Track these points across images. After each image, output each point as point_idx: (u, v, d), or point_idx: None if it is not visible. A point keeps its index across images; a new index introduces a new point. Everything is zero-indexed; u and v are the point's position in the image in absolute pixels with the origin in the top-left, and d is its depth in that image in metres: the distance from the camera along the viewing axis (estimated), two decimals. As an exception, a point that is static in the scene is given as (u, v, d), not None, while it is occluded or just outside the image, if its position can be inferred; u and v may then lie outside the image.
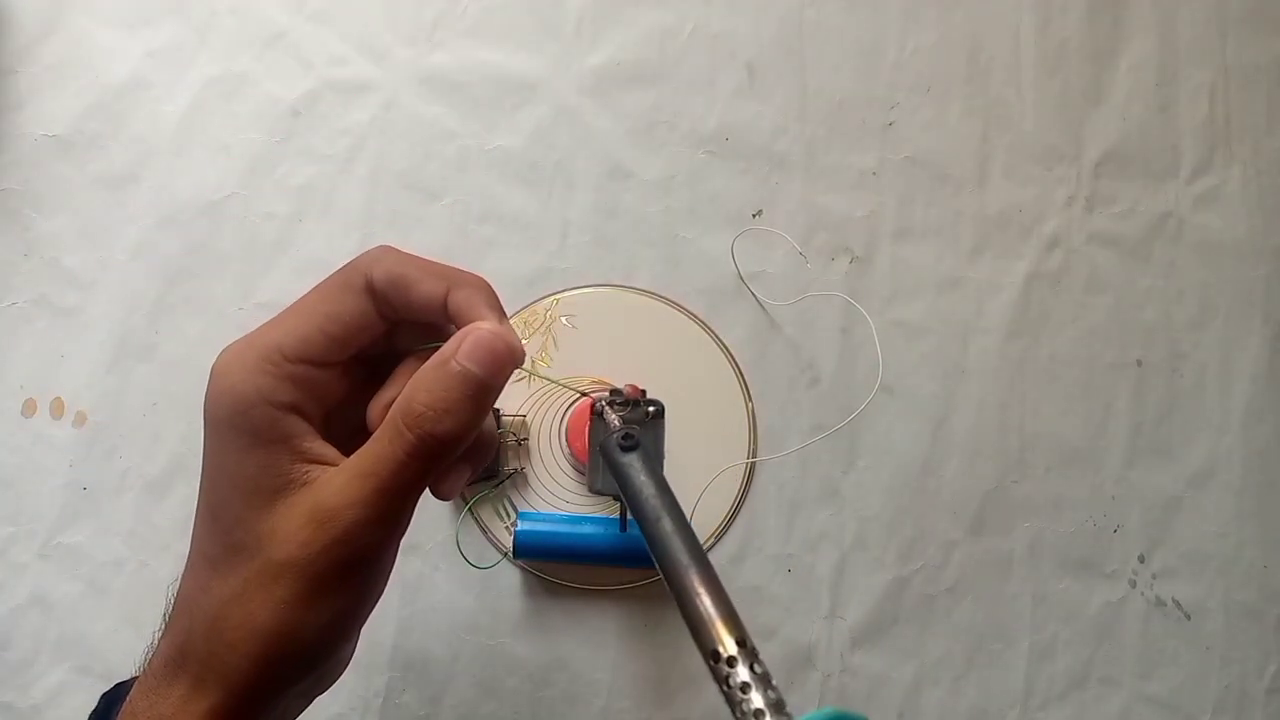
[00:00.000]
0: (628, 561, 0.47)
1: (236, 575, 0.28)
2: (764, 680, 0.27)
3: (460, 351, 0.29)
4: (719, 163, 0.52)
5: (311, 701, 0.34)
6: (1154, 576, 0.50)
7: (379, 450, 0.29)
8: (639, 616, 0.48)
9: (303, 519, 0.28)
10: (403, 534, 0.30)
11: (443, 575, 0.48)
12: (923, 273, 0.52)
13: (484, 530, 0.48)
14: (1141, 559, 0.50)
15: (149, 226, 0.51)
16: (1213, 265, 0.53)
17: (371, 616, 0.47)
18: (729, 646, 0.28)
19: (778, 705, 0.26)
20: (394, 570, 0.48)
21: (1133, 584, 0.50)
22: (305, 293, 0.31)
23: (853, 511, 0.50)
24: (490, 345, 0.29)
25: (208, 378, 0.30)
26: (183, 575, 0.31)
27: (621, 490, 0.34)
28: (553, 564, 0.48)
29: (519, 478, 0.49)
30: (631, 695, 0.48)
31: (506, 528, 0.48)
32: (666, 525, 0.32)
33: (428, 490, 0.31)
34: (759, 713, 0.26)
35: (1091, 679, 0.49)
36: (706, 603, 0.29)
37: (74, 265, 0.50)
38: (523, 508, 0.49)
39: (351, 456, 0.29)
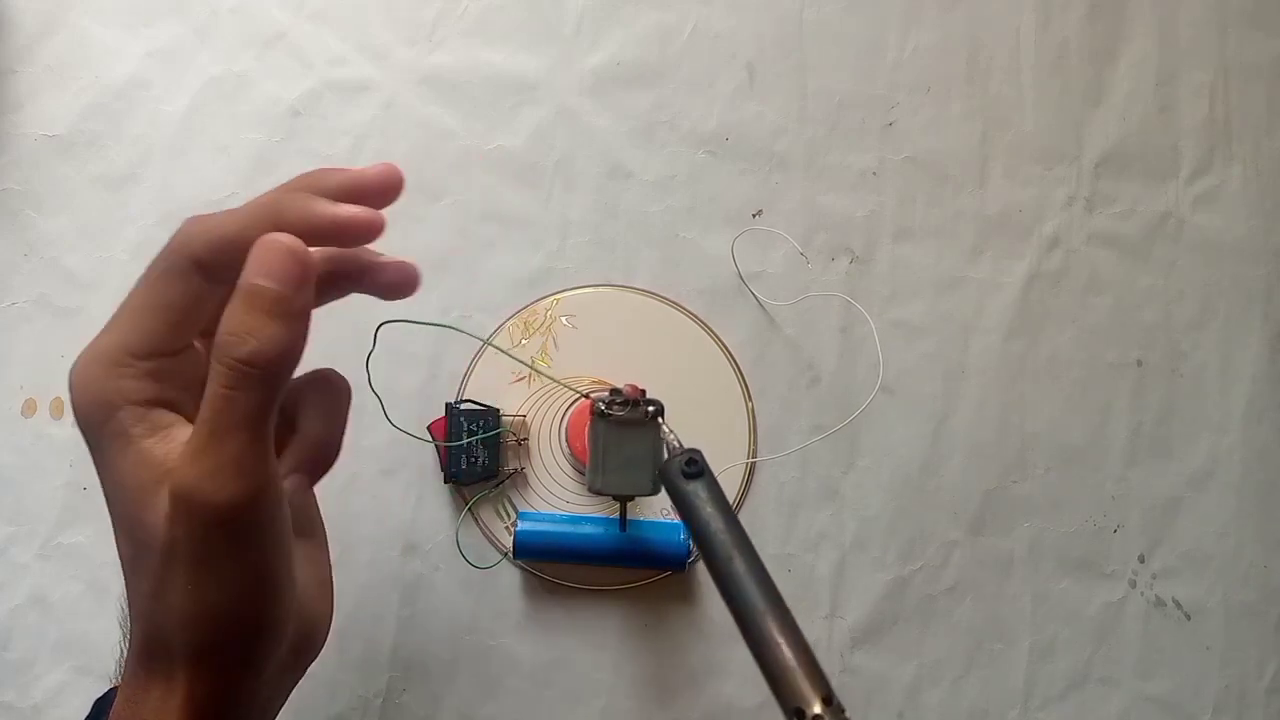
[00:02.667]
0: (628, 561, 0.47)
1: (150, 574, 0.28)
2: None
3: (249, 268, 0.27)
4: (719, 163, 0.52)
5: (304, 669, 0.34)
6: (1154, 576, 0.50)
7: (207, 395, 0.27)
8: (639, 616, 0.48)
9: (166, 501, 0.27)
10: (273, 474, 0.28)
11: (443, 575, 0.48)
12: (923, 273, 0.52)
13: (484, 530, 0.48)
14: (1141, 559, 0.50)
15: (149, 226, 0.51)
16: (1213, 265, 0.53)
17: (371, 617, 0.48)
18: (814, 705, 0.25)
19: None
20: (395, 571, 0.48)
21: (1133, 584, 0.50)
22: (132, 289, 0.30)
23: (853, 511, 0.50)
24: (271, 251, 0.27)
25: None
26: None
27: (685, 521, 0.32)
28: (553, 564, 0.48)
29: (519, 478, 0.49)
30: (632, 695, 0.48)
31: (506, 528, 0.48)
32: (739, 565, 0.29)
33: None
34: None
35: (1091, 679, 0.49)
36: (787, 654, 0.27)
37: (74, 265, 0.50)
38: (523, 508, 0.49)
39: None
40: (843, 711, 0.25)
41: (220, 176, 0.51)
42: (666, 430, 0.36)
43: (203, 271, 0.29)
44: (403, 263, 0.34)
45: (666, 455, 0.33)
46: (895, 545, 0.50)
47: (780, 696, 0.26)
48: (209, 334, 0.28)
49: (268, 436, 0.28)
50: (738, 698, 0.48)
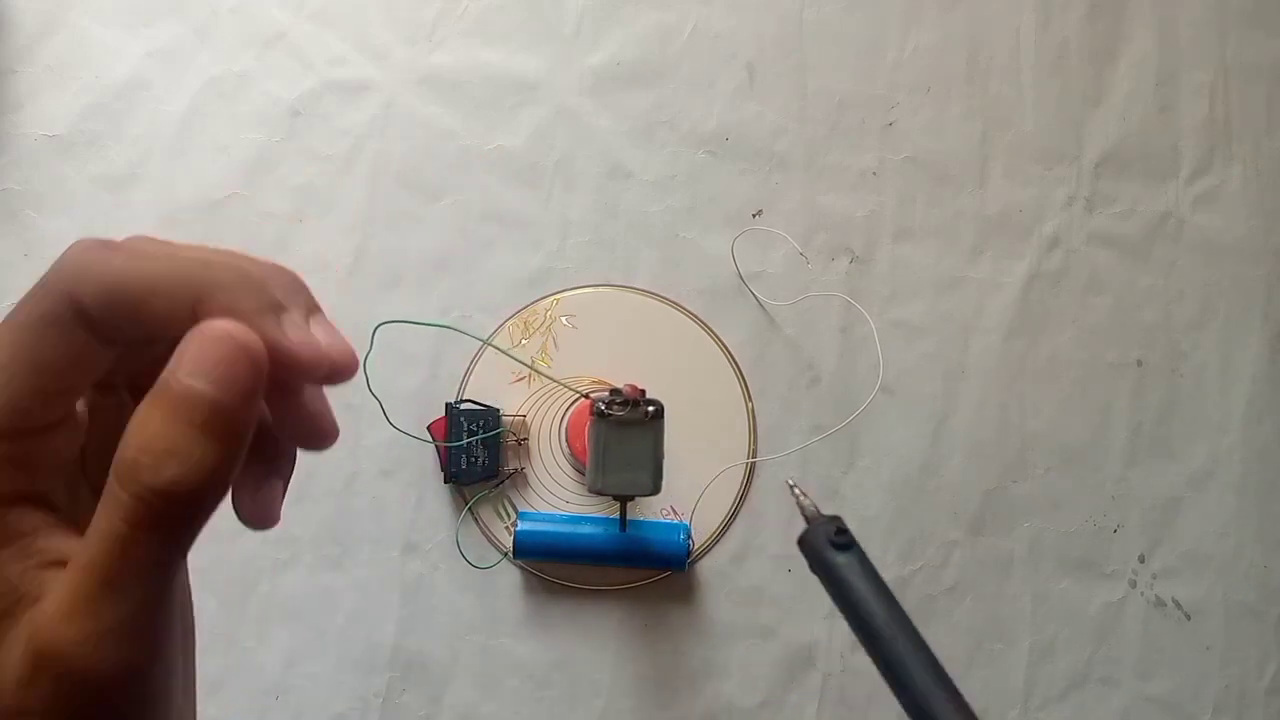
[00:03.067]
0: (628, 561, 0.47)
1: None
2: None
3: (180, 364, 0.20)
4: (719, 163, 0.52)
5: None
6: (1154, 576, 0.50)
7: (96, 529, 0.19)
8: (639, 616, 0.48)
9: (21, 654, 0.20)
10: (173, 632, 0.21)
11: (443, 575, 0.48)
12: (923, 273, 0.52)
13: (484, 530, 0.48)
14: (1141, 559, 0.50)
15: (149, 226, 0.50)
16: (1213, 265, 0.53)
17: (371, 616, 0.48)
18: None
19: None
20: (395, 571, 0.48)
21: (1133, 584, 0.50)
22: None
23: (853, 511, 0.50)
24: (214, 345, 0.20)
25: None
26: None
27: (836, 598, 0.29)
28: (553, 564, 0.48)
29: (519, 478, 0.49)
30: (631, 695, 0.48)
31: (506, 528, 0.48)
32: (902, 645, 0.27)
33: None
34: None
35: (1091, 679, 0.49)
36: None
37: (74, 265, 0.50)
38: (523, 508, 0.49)
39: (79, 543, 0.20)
40: None
41: (220, 176, 0.51)
42: (799, 493, 0.32)
43: (88, 326, 0.21)
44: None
45: (805, 521, 0.30)
46: (895, 545, 0.50)
47: None
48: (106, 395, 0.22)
49: (173, 590, 0.21)
50: (737, 697, 0.48)
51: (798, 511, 0.51)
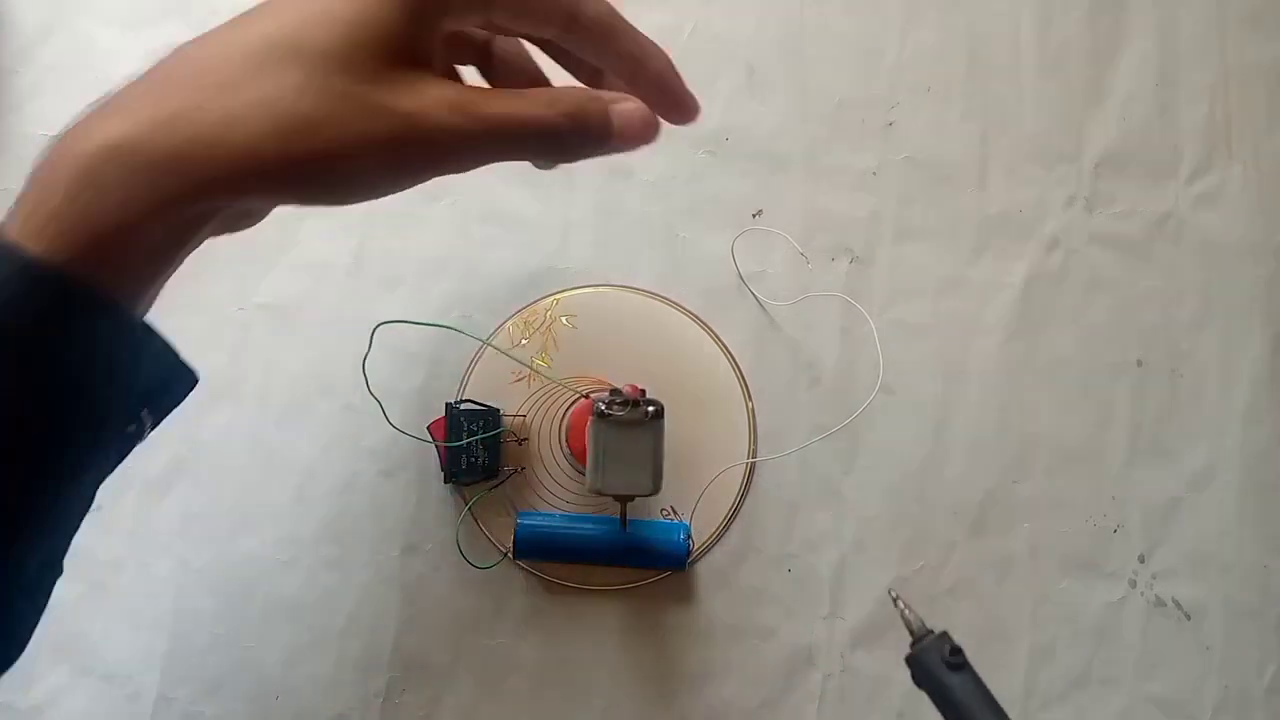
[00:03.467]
0: (628, 561, 0.47)
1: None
2: None
3: (617, 108, 0.34)
4: (719, 163, 0.52)
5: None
6: (1154, 577, 0.50)
7: (512, 103, 0.32)
8: (639, 616, 0.48)
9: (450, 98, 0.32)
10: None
11: (443, 575, 0.48)
12: (923, 273, 0.52)
13: (484, 530, 0.49)
14: (1142, 559, 0.50)
15: (149, 226, 0.50)
16: (1213, 266, 0.53)
17: (371, 616, 0.48)
18: None
19: None
20: (395, 571, 0.48)
21: (1133, 584, 0.50)
22: None
23: (853, 512, 0.50)
24: (642, 120, 0.35)
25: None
26: None
27: (946, 715, 0.29)
28: (553, 564, 0.48)
29: (519, 478, 0.49)
30: (632, 695, 0.48)
31: (506, 528, 0.48)
32: None
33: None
34: None
35: (1092, 679, 0.49)
36: None
37: (74, 265, 0.50)
38: (523, 508, 0.49)
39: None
40: None
41: (220, 176, 0.51)
42: (903, 606, 0.32)
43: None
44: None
45: (910, 635, 0.29)
46: (895, 545, 0.49)
47: None
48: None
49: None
50: (738, 698, 0.48)
51: (797, 511, 0.51)
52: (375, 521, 0.49)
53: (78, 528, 0.32)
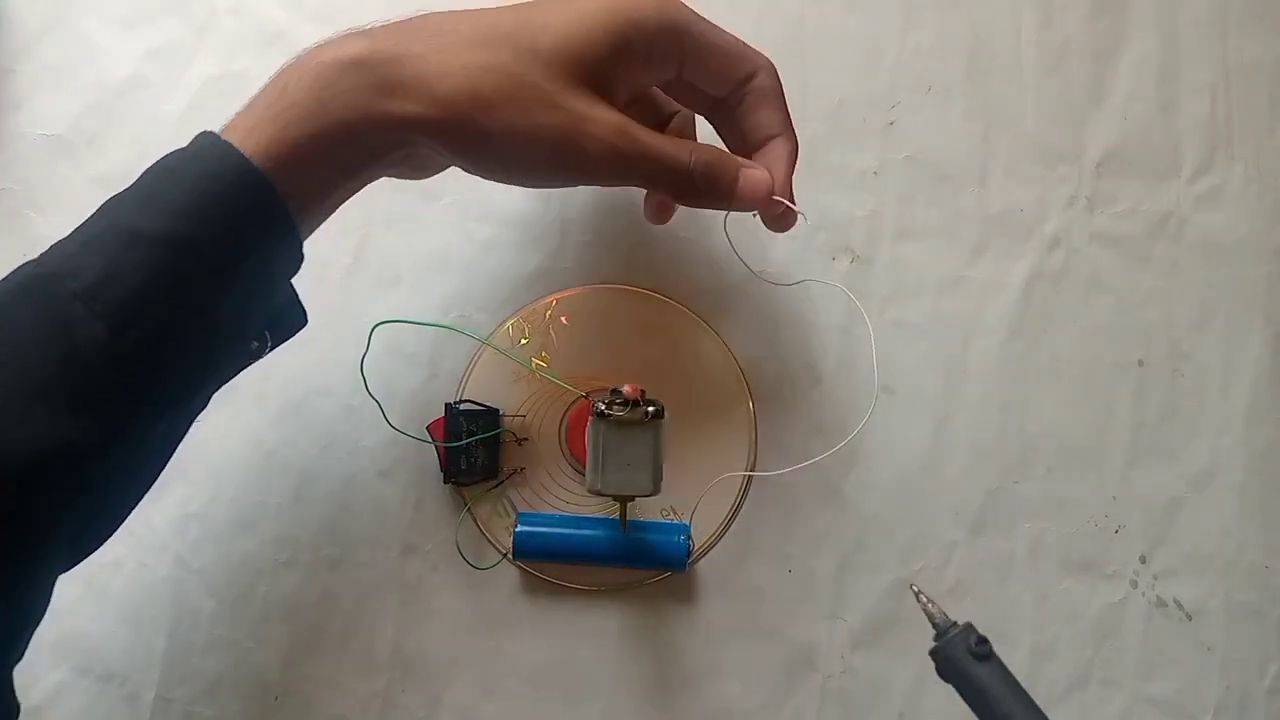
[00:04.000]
0: (628, 562, 0.47)
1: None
2: None
3: (747, 172, 0.40)
4: (719, 162, 0.52)
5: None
6: (1155, 577, 0.50)
7: (668, 150, 0.39)
8: (639, 616, 0.48)
9: (612, 132, 0.37)
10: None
11: (442, 576, 0.48)
12: (924, 273, 0.52)
13: (483, 531, 0.48)
14: (1143, 559, 0.50)
15: (148, 226, 0.50)
16: (1215, 265, 0.53)
17: (371, 617, 0.48)
18: None
19: None
20: (394, 571, 0.48)
21: (1134, 584, 0.50)
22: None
23: (853, 511, 0.50)
24: (762, 190, 0.41)
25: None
26: None
27: (979, 710, 0.28)
28: (553, 564, 0.48)
29: (519, 478, 0.49)
30: (632, 696, 0.48)
31: (506, 528, 0.48)
32: None
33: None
34: None
35: (1092, 680, 0.49)
36: None
37: (73, 265, 0.50)
38: (522, 508, 0.48)
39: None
40: None
41: (220, 176, 0.51)
42: (925, 600, 0.32)
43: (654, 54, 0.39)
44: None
45: (935, 632, 0.29)
46: (896, 545, 0.49)
47: None
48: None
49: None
50: (738, 699, 0.48)
51: (797, 511, 0.51)
52: (374, 522, 0.49)
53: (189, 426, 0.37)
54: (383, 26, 0.36)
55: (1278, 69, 0.54)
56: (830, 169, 0.52)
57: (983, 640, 0.28)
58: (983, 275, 0.52)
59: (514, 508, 0.48)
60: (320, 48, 0.35)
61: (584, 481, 0.44)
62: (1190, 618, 0.50)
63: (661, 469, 0.43)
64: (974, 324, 0.51)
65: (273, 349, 0.39)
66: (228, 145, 0.33)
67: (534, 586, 0.48)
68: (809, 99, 0.53)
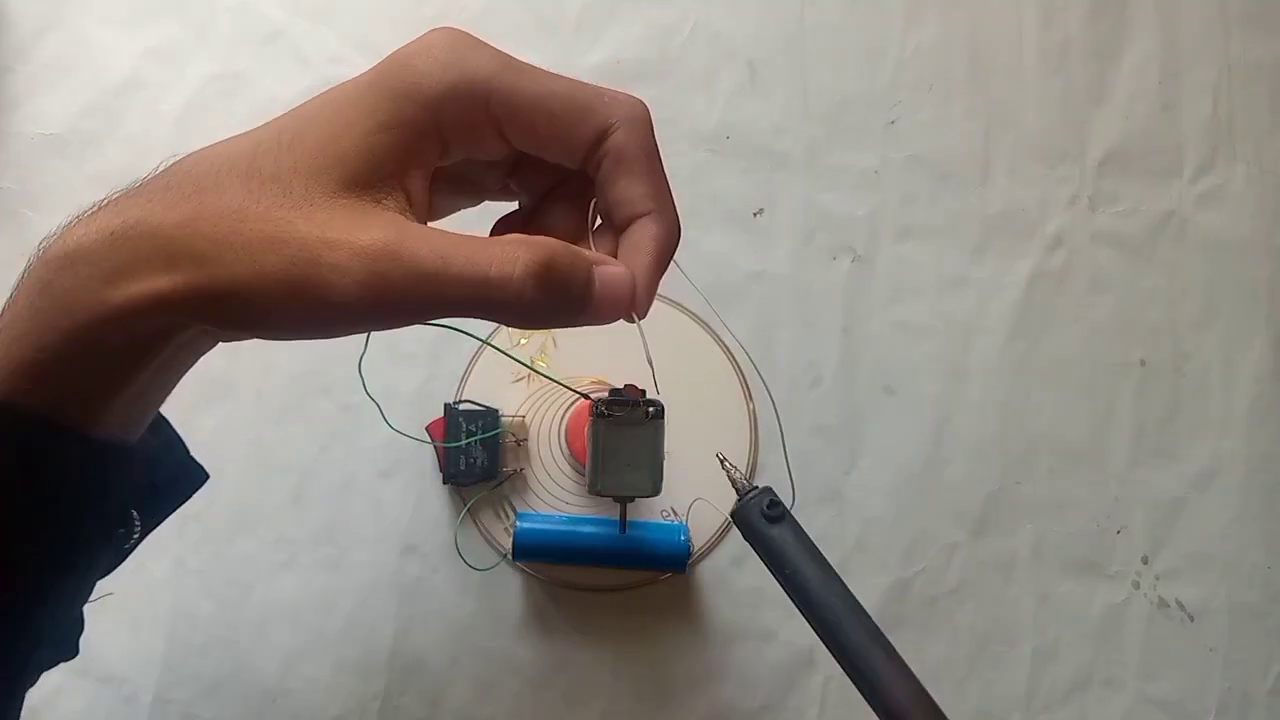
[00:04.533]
0: (628, 563, 0.47)
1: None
2: None
3: (599, 266, 0.29)
4: (720, 161, 0.52)
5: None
6: (1157, 578, 0.50)
7: (494, 252, 0.27)
8: (639, 617, 0.48)
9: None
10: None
11: (441, 577, 0.48)
12: (925, 272, 0.52)
13: (483, 531, 0.48)
14: (1145, 560, 0.50)
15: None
16: (1216, 265, 0.52)
17: (370, 618, 0.48)
18: None
19: None
20: (393, 572, 0.48)
21: (1136, 585, 0.50)
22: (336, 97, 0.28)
23: (854, 513, 0.49)
24: (622, 296, 0.30)
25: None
26: None
27: (771, 567, 0.30)
28: (552, 565, 0.48)
29: (518, 478, 0.49)
30: (631, 696, 0.48)
31: (506, 529, 0.48)
32: (839, 609, 0.28)
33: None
34: None
35: (1094, 681, 0.49)
36: (902, 694, 0.27)
37: (71, 265, 0.50)
38: (522, 509, 0.48)
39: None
40: None
41: (218, 175, 0.51)
42: (730, 467, 0.33)
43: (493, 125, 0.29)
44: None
45: (737, 494, 0.30)
46: (897, 547, 0.49)
47: None
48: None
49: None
50: (738, 700, 0.48)
51: (798, 512, 0.50)
52: (373, 522, 0.48)
53: (75, 615, 0.33)
54: (138, 185, 0.28)
55: (1279, 68, 0.54)
56: (831, 168, 0.52)
57: (775, 503, 0.29)
58: (984, 275, 0.52)
59: (513, 508, 0.48)
60: (53, 237, 0.27)
61: (584, 482, 0.44)
62: (1192, 618, 0.50)
63: (661, 469, 0.43)
64: (975, 324, 0.51)
65: (165, 517, 0.35)
66: None
67: (533, 588, 0.48)
68: (810, 99, 0.53)
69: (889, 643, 0.28)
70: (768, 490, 0.30)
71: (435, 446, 0.48)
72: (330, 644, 0.48)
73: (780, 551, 0.29)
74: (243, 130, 0.28)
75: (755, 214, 0.52)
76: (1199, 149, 0.53)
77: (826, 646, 0.28)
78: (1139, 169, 0.53)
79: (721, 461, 0.33)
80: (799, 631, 0.48)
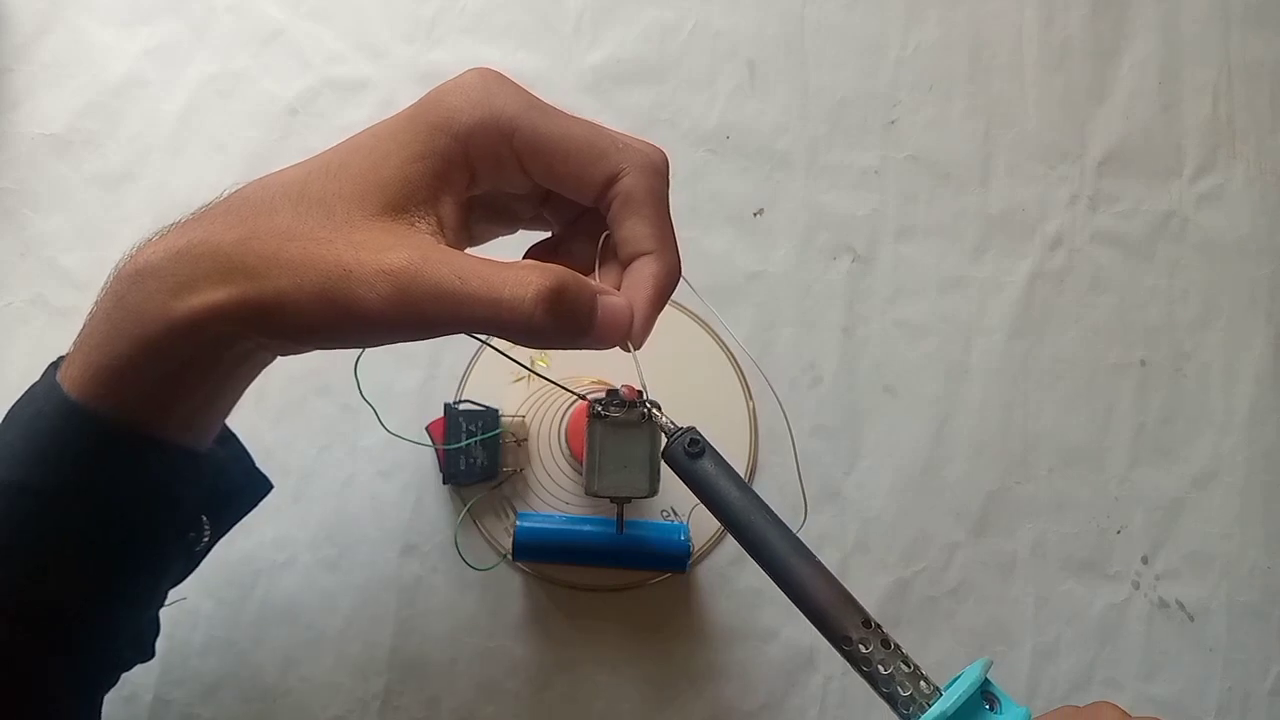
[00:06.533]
0: (628, 562, 0.47)
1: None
2: (897, 653, 0.29)
3: (602, 300, 0.30)
4: (720, 161, 0.52)
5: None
6: (1157, 578, 0.50)
7: (508, 279, 0.28)
8: (639, 617, 0.48)
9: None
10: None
11: (441, 577, 0.48)
12: (925, 272, 0.52)
13: (483, 531, 0.48)
14: (1145, 560, 0.50)
15: (146, 225, 0.50)
16: (1216, 264, 0.52)
17: (369, 618, 0.48)
18: (857, 629, 0.29)
19: (916, 674, 0.29)
20: (393, 572, 0.48)
21: (1136, 585, 0.50)
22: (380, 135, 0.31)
23: (855, 512, 0.49)
24: (621, 323, 0.31)
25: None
26: None
27: (698, 496, 0.33)
28: (552, 565, 0.48)
29: (518, 479, 0.48)
30: (631, 696, 0.48)
31: (505, 529, 0.48)
32: (760, 525, 0.31)
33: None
34: (901, 685, 0.29)
35: (1094, 681, 0.49)
36: (823, 593, 0.30)
37: (71, 264, 0.50)
38: (522, 509, 0.48)
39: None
40: (880, 629, 0.29)
41: (217, 175, 0.51)
42: (659, 415, 0.35)
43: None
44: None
45: (664, 438, 0.34)
46: (897, 546, 0.49)
47: (827, 631, 0.30)
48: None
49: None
50: (738, 700, 0.48)
51: (798, 512, 0.50)
52: (373, 522, 0.48)
53: (151, 617, 0.36)
54: (202, 210, 0.31)
55: (1279, 68, 0.54)
56: (831, 168, 0.52)
57: (695, 441, 0.32)
58: (984, 274, 0.52)
59: (513, 508, 0.48)
60: (130, 254, 0.31)
61: (583, 482, 0.44)
62: (1192, 618, 0.50)
63: (659, 470, 0.43)
64: (975, 323, 0.51)
65: (233, 524, 0.38)
66: (52, 377, 0.31)
67: (533, 588, 0.48)
68: (810, 98, 0.53)
69: (809, 550, 0.31)
70: (690, 429, 0.33)
71: (435, 447, 0.47)
72: (330, 644, 0.48)
73: (703, 481, 0.32)
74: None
75: (755, 214, 0.52)
76: (1199, 149, 0.53)
77: (754, 560, 0.32)
78: (1139, 169, 0.53)
79: (649, 409, 0.35)
80: (799, 631, 0.48)
